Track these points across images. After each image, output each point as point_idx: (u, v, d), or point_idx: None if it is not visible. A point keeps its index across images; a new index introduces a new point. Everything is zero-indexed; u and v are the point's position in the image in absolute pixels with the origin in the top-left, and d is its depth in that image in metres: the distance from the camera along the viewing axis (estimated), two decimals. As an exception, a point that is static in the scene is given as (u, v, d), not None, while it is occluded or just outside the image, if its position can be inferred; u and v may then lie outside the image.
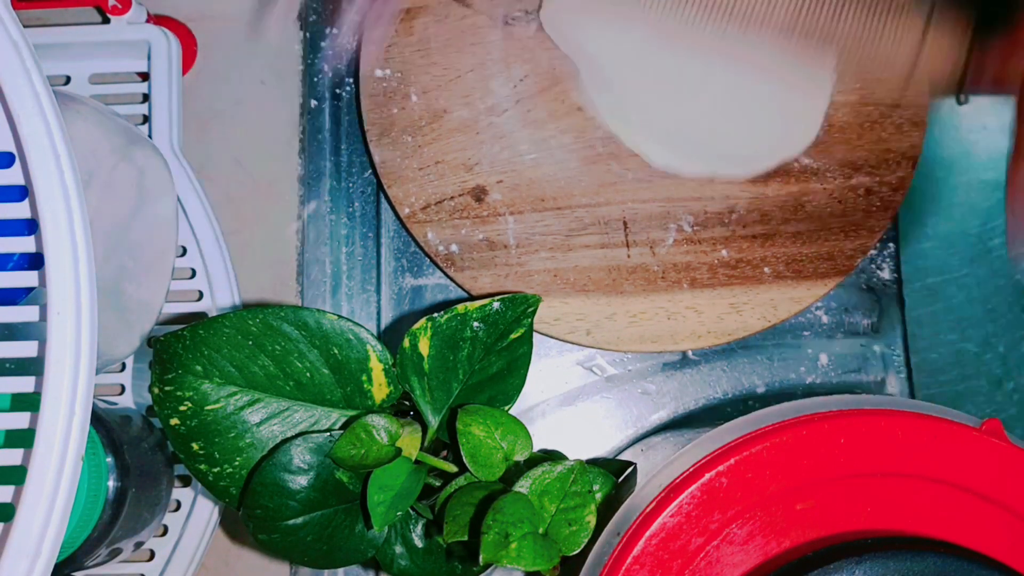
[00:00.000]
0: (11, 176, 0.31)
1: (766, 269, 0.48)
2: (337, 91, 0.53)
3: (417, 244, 0.49)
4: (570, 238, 0.48)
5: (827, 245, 0.48)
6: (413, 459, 0.36)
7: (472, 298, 0.41)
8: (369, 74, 0.49)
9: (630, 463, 0.39)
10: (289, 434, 0.37)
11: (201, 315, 0.48)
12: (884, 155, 0.49)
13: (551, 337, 0.48)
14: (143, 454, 0.43)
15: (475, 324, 0.37)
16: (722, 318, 0.47)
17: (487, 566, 0.33)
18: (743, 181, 0.48)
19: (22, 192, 0.31)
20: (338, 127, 0.52)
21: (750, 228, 0.48)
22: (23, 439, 0.30)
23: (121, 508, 0.40)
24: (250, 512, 0.35)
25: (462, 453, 0.35)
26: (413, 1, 0.50)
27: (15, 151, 0.30)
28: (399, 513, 0.34)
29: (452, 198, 0.48)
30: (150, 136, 0.48)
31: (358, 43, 0.49)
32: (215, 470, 0.36)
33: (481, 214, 0.48)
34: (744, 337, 0.48)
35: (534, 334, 0.40)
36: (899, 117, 0.49)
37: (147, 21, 0.50)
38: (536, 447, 0.38)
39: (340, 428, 0.37)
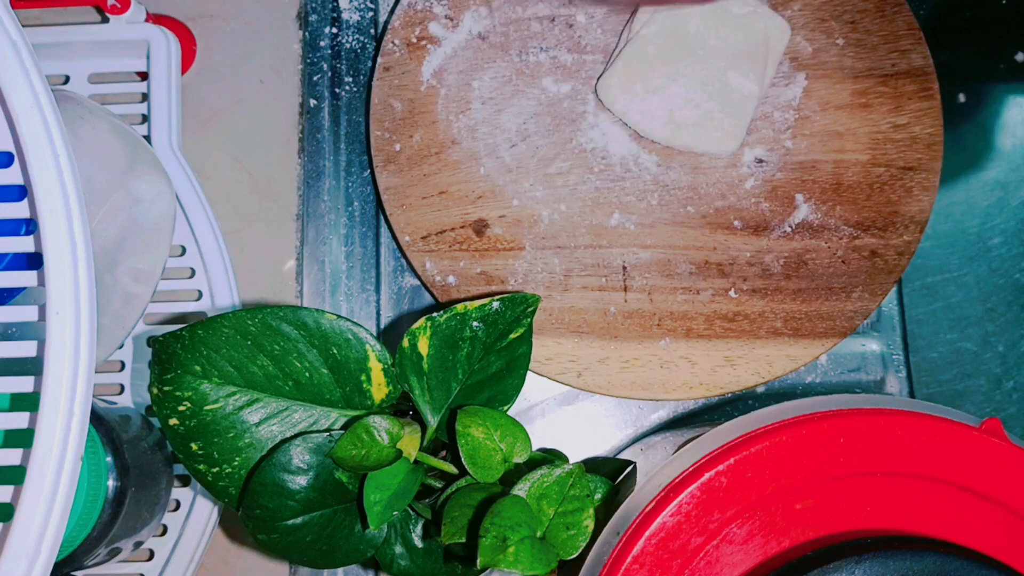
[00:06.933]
0: (10, 176, 0.31)
1: (764, 324, 0.47)
2: (336, 91, 0.53)
3: (415, 272, 0.49)
4: (568, 278, 0.48)
5: (827, 305, 0.47)
6: (412, 459, 0.36)
7: (472, 298, 0.41)
8: (380, 101, 0.49)
9: (629, 462, 0.39)
10: (288, 434, 0.37)
11: (200, 315, 0.48)
12: (892, 218, 0.48)
13: (542, 376, 0.48)
14: (142, 454, 0.42)
15: (474, 324, 0.37)
16: (716, 371, 0.47)
17: (485, 568, 0.33)
18: (746, 233, 0.48)
19: (21, 192, 0.31)
20: (337, 127, 0.52)
21: (751, 282, 0.48)
22: (22, 439, 0.30)
23: (120, 507, 0.40)
24: (249, 512, 0.35)
25: (461, 455, 0.35)
26: (430, 31, 0.50)
27: (14, 151, 0.30)
28: (396, 513, 0.34)
29: (453, 229, 0.48)
30: (149, 135, 0.48)
31: (371, 67, 0.49)
32: (214, 470, 0.36)
33: (481, 248, 0.48)
34: (736, 391, 0.47)
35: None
36: (910, 180, 0.48)
37: (146, 20, 0.50)
38: (536, 446, 0.38)
39: (339, 428, 0.37)
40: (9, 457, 0.30)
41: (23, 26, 0.31)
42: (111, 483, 0.40)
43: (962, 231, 0.54)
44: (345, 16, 0.53)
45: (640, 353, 0.47)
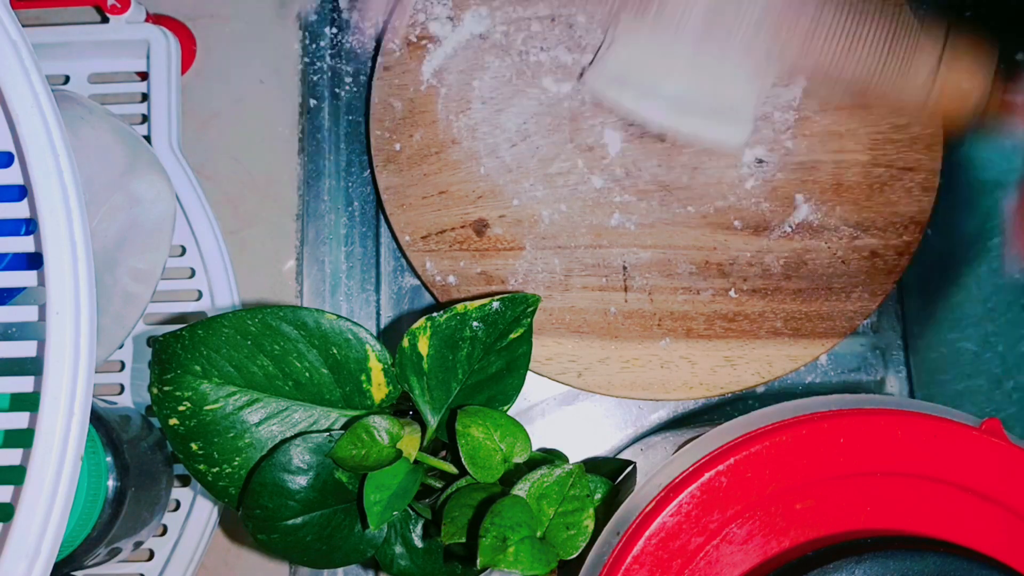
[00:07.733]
0: (10, 176, 0.31)
1: (764, 324, 0.47)
2: (336, 91, 0.53)
3: (415, 272, 0.49)
4: (568, 278, 0.48)
5: (827, 305, 0.47)
6: (412, 459, 0.36)
7: (472, 298, 0.41)
8: (380, 101, 0.49)
9: (629, 462, 0.39)
10: (288, 434, 0.37)
11: (200, 315, 0.48)
12: (892, 218, 0.48)
13: (542, 376, 0.48)
14: (142, 453, 0.42)
15: (474, 324, 0.37)
16: (716, 371, 0.47)
17: (485, 568, 0.33)
18: (746, 233, 0.48)
19: (21, 192, 0.31)
20: (337, 126, 0.52)
21: (751, 282, 0.48)
22: (22, 439, 0.30)
23: (120, 507, 0.40)
24: (249, 512, 0.35)
25: (461, 455, 0.35)
26: (430, 31, 0.50)
27: (14, 151, 0.30)
28: (396, 513, 0.34)
29: (453, 229, 0.48)
30: (149, 135, 0.48)
31: (371, 67, 0.49)
32: (214, 470, 0.36)
33: (481, 247, 0.48)
34: (736, 391, 0.47)
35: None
36: (909, 181, 0.48)
37: (146, 20, 0.50)
38: (536, 446, 0.38)
39: (339, 428, 0.37)
40: (9, 457, 0.30)
41: (23, 26, 0.31)
42: (111, 483, 0.40)
43: (962, 231, 0.54)
44: (345, 16, 0.53)
45: (640, 353, 0.47)
